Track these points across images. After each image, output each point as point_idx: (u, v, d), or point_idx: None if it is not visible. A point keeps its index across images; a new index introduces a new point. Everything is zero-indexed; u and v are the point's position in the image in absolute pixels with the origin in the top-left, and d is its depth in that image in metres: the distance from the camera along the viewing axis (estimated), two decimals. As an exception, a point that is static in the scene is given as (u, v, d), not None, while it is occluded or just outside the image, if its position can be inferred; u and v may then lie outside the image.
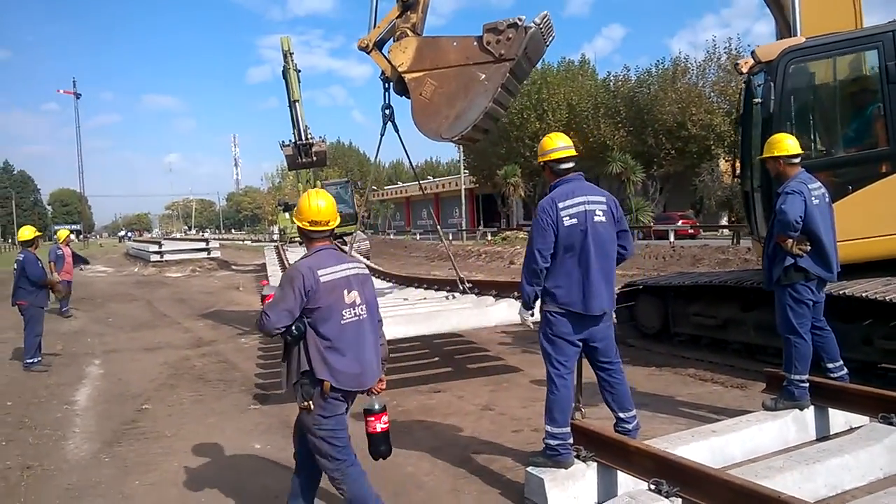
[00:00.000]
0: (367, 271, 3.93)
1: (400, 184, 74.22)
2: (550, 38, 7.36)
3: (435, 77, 7.32)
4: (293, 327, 3.55)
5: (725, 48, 38.18)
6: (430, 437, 5.80)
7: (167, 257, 32.09)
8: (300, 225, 3.81)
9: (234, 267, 30.07)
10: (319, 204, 3.78)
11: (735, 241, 25.84)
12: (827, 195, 5.20)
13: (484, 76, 7.03)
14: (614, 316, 9.00)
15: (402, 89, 7.74)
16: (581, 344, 4.36)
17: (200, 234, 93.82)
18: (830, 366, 5.27)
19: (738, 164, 7.91)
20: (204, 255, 33.04)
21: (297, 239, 22.80)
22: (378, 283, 12.02)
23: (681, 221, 35.67)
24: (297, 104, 20.34)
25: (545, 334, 4.36)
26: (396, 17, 7.79)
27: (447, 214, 61.72)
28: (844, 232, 5.65)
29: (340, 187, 26.11)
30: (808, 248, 4.98)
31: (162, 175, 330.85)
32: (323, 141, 20.40)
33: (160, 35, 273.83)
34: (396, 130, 8.61)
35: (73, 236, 20.56)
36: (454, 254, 14.54)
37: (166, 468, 5.26)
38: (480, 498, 4.49)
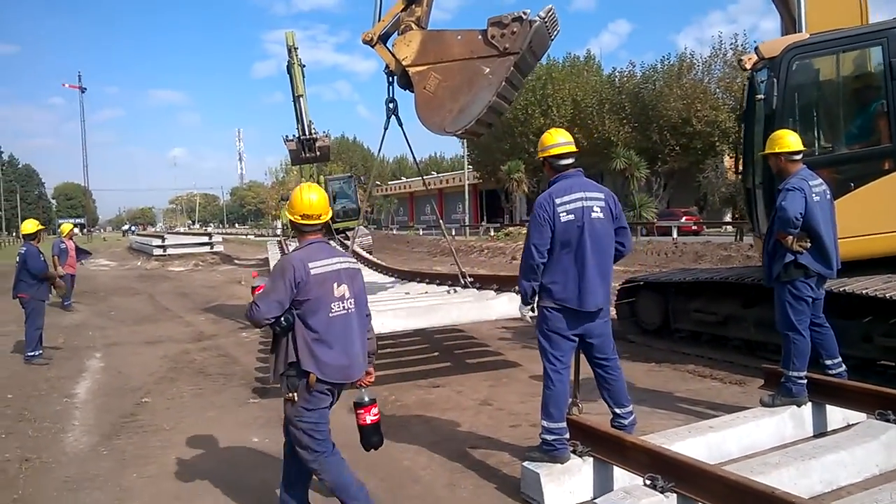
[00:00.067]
0: (357, 266, 3.97)
1: (403, 179, 74.19)
2: (555, 33, 7.33)
3: (439, 71, 7.30)
4: (282, 318, 3.60)
5: (731, 44, 37.94)
6: (429, 431, 5.81)
7: (170, 251, 32.19)
8: (292, 218, 3.85)
9: (236, 261, 30.13)
10: (311, 198, 3.80)
11: (738, 237, 25.77)
12: (828, 192, 5.19)
13: (488, 70, 7.01)
14: (614, 312, 9.09)
15: (406, 83, 7.72)
16: (577, 339, 4.36)
17: (204, 228, 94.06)
18: (829, 362, 5.26)
19: (741, 161, 7.85)
20: (207, 249, 33.11)
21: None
22: (380, 278, 12.04)
23: (684, 218, 35.57)
24: (301, 99, 20.30)
25: (541, 330, 4.37)
26: (401, 11, 7.77)
27: (451, 210, 61.67)
28: (846, 229, 5.64)
29: (344, 182, 26.07)
30: (809, 244, 4.98)
31: (166, 169, 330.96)
32: (327, 136, 20.39)
33: (165, 30, 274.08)
34: (400, 124, 8.60)
35: (76, 230, 20.60)
36: (456, 249, 14.55)
37: (164, 461, 5.28)
38: (476, 492, 4.49)
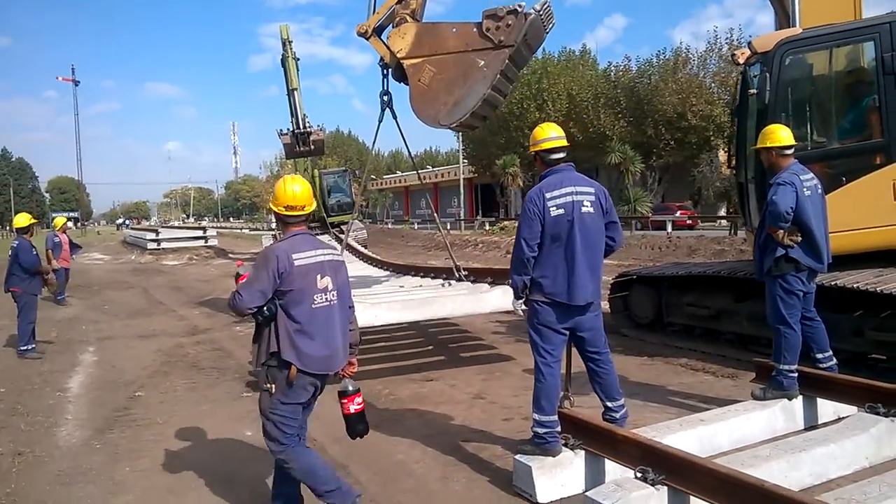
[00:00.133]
0: (341, 258, 3.98)
1: (399, 173, 74.07)
2: (550, 26, 7.33)
3: (434, 63, 7.28)
4: (265, 308, 3.62)
5: (727, 39, 38.03)
6: (422, 425, 5.83)
7: (164, 245, 32.06)
8: (276, 210, 3.87)
9: (231, 255, 30.07)
10: (295, 189, 3.83)
11: (733, 232, 25.84)
12: (819, 187, 5.20)
13: (483, 63, 7.00)
14: (608, 306, 9.11)
15: (401, 75, 7.70)
16: (567, 333, 4.38)
17: (198, 222, 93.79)
18: (819, 356, 5.29)
19: (733, 155, 7.86)
20: (201, 243, 33.03)
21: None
22: (375, 272, 12.06)
23: (679, 212, 35.64)
24: (295, 92, 20.25)
25: (532, 323, 4.39)
26: (396, 3, 7.74)
27: (446, 204, 61.63)
28: (838, 223, 5.67)
29: (338, 176, 25.99)
30: (799, 239, 5.00)
31: (161, 163, 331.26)
32: (321, 129, 20.34)
33: (162, 23, 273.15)
34: (395, 117, 8.59)
35: (70, 224, 20.52)
36: (451, 243, 14.55)
37: (157, 455, 5.28)
38: (469, 485, 4.51)
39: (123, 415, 6.43)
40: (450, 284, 8.79)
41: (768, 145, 5.23)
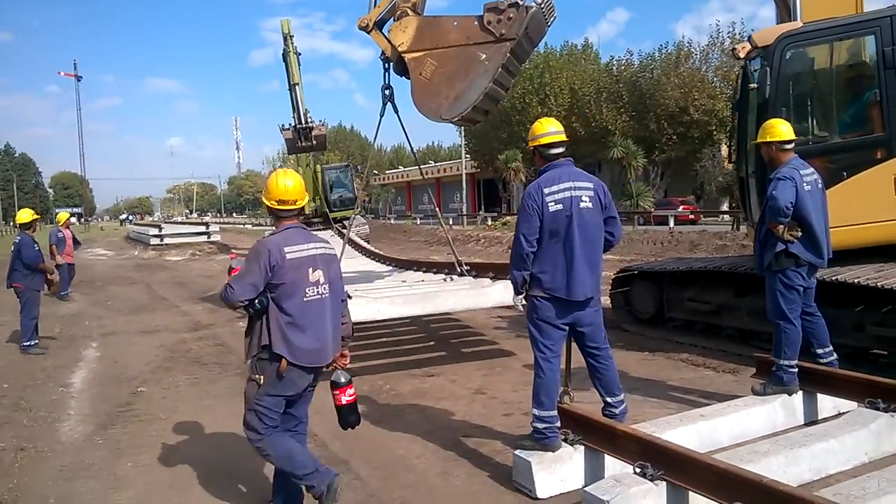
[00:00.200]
0: (333, 251, 4.00)
1: (401, 168, 74.03)
2: (552, 19, 7.30)
3: (435, 57, 7.26)
4: (256, 301, 3.65)
5: (729, 33, 37.88)
6: (423, 420, 5.84)
7: (167, 241, 32.14)
8: (268, 204, 3.89)
9: (234, 250, 30.07)
10: (287, 183, 3.84)
11: (735, 226, 25.79)
12: (819, 181, 5.20)
13: (484, 56, 6.97)
14: (610, 301, 9.11)
15: (402, 69, 7.68)
16: (567, 328, 4.39)
17: (201, 217, 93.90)
18: (820, 351, 5.29)
19: (734, 149, 7.85)
20: (204, 238, 33.08)
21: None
22: (377, 267, 12.07)
23: (681, 207, 35.57)
24: (297, 87, 20.19)
25: (531, 319, 4.40)
26: (397, -3, 7.71)
27: (448, 199, 61.61)
28: (839, 218, 5.67)
29: (340, 171, 25.92)
30: (800, 234, 4.99)
31: (164, 158, 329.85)
32: (323, 125, 20.29)
33: (163, 17, 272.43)
34: (396, 111, 8.58)
35: (73, 219, 20.55)
36: (453, 238, 14.55)
37: (159, 450, 5.30)
38: (469, 480, 4.52)
39: (126, 410, 6.46)
40: (451, 279, 8.80)
41: (768, 140, 5.22)
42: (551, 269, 4.27)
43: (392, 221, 57.10)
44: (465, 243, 28.56)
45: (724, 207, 35.86)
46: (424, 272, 10.20)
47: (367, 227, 22.67)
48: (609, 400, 4.51)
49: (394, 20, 7.70)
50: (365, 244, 16.24)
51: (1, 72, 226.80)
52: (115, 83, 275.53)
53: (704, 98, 36.63)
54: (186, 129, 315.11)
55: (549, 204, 4.22)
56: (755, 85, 6.76)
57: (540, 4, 6.89)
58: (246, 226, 69.16)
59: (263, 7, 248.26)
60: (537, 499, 4.11)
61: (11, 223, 70.29)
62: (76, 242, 15.58)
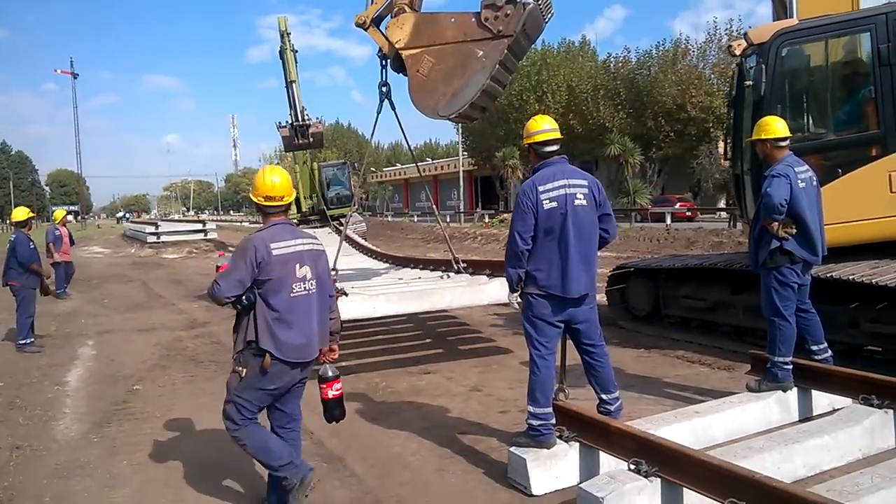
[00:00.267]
0: (322, 247, 4.01)
1: (399, 165, 74.02)
2: (549, 15, 7.29)
3: (432, 54, 7.24)
4: (243, 297, 3.67)
5: (726, 30, 37.96)
6: (419, 417, 5.85)
7: (164, 238, 32.13)
8: (255, 201, 3.91)
9: (230, 248, 30.01)
10: (274, 180, 3.86)
11: (732, 224, 25.84)
12: (814, 178, 5.20)
13: (482, 53, 6.96)
14: (606, 298, 9.12)
15: (400, 66, 7.66)
16: (562, 326, 4.40)
17: (198, 215, 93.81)
18: (814, 348, 5.30)
19: (730, 147, 7.85)
20: (201, 236, 33.06)
21: (294, 220, 22.81)
22: (374, 264, 12.06)
23: (678, 204, 35.61)
24: (293, 85, 20.17)
25: (526, 316, 4.41)
26: (394, -7, 7.69)
27: (446, 196, 61.63)
28: (833, 215, 5.67)
29: (337, 169, 25.93)
30: (794, 231, 4.99)
31: (160, 156, 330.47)
32: (320, 122, 20.28)
33: (159, 14, 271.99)
34: (393, 108, 8.56)
35: (70, 217, 20.52)
36: (450, 236, 14.55)
37: (155, 448, 5.30)
38: (464, 477, 4.53)
39: (121, 408, 6.45)
40: (448, 276, 8.80)
41: (763, 137, 5.23)
42: (546, 266, 4.28)
43: (389, 219, 57.04)
44: (463, 240, 28.57)
45: (721, 204, 35.92)
46: (421, 269, 10.19)
47: (364, 224, 22.64)
48: (604, 397, 4.52)
49: (391, 17, 7.68)
50: (362, 241, 16.23)
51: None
52: (112, 80, 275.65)
53: (702, 95, 36.70)
54: (183, 126, 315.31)
55: (544, 202, 4.22)
56: (751, 82, 6.77)
57: (537, 1, 6.88)
58: (243, 223, 69.08)
59: (260, 4, 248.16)
60: (532, 496, 4.11)
61: (7, 221, 70.17)
62: (71, 241, 15.55)
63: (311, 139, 19.72)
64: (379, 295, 7.48)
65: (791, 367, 5.08)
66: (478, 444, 5.09)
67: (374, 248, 15.10)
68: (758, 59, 6.75)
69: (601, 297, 7.69)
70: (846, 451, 4.31)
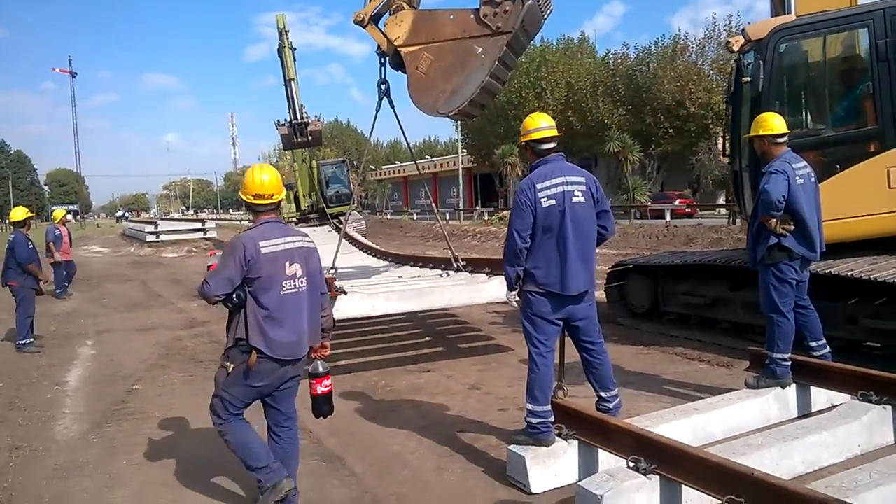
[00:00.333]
0: (312, 245, 4.02)
1: (398, 163, 73.98)
2: (548, 11, 7.28)
3: (431, 51, 7.24)
4: (234, 296, 3.69)
5: (725, 25, 37.93)
6: (418, 416, 5.85)
7: (163, 238, 32.14)
8: (245, 199, 3.93)
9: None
10: (263, 178, 3.88)
11: (731, 220, 25.84)
12: (812, 175, 5.20)
13: (481, 50, 6.95)
14: (605, 295, 9.12)
15: (399, 64, 7.65)
16: (561, 323, 4.40)
17: (197, 214, 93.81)
18: (813, 344, 5.30)
19: (728, 143, 7.85)
20: (200, 235, 33.06)
21: (293, 218, 22.81)
22: (373, 262, 12.06)
23: (678, 201, 35.61)
24: (292, 83, 20.19)
25: (525, 314, 4.41)
26: (393, -10, 7.68)
27: (445, 194, 61.54)
28: (832, 211, 5.66)
29: (336, 167, 25.95)
30: (792, 227, 4.99)
31: (160, 155, 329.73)
32: (319, 120, 20.32)
33: (158, 12, 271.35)
34: (392, 106, 8.55)
35: (69, 216, 20.51)
36: (450, 234, 14.55)
37: (154, 448, 5.30)
38: (463, 476, 4.53)
39: (121, 408, 6.45)
40: (448, 275, 8.79)
41: (761, 133, 5.22)
42: (545, 264, 4.28)
43: (389, 217, 57.03)
44: (462, 238, 28.55)
45: (721, 201, 35.93)
46: (421, 267, 10.18)
47: (363, 222, 22.65)
48: (603, 395, 4.52)
49: (390, 14, 7.67)
50: (362, 239, 16.23)
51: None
52: (111, 79, 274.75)
53: (701, 91, 36.70)
54: (182, 125, 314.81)
55: (542, 199, 4.22)
56: (748, 78, 6.77)
57: None
58: (242, 222, 68.99)
59: (259, 1, 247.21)
60: (531, 493, 4.12)
61: (7, 221, 70.17)
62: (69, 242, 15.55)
63: (310, 137, 19.76)
64: (378, 294, 7.47)
65: (790, 363, 5.08)
66: (477, 442, 5.09)
67: (373, 245, 15.08)
68: (756, 55, 6.74)
69: (600, 294, 7.68)
70: (845, 447, 4.31)
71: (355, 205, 21.06)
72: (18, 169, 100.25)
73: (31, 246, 9.43)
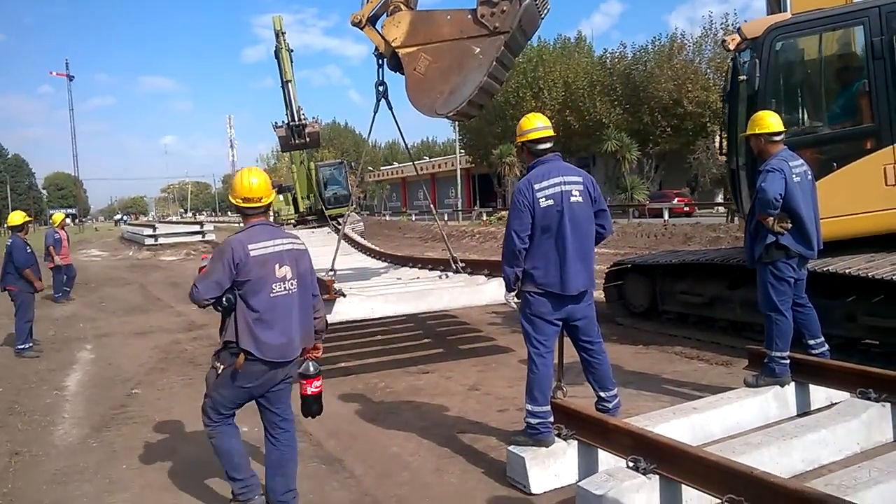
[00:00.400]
0: (303, 247, 4.03)
1: (396, 164, 73.95)
2: (545, 11, 7.28)
3: (429, 52, 7.23)
4: (223, 299, 3.72)
5: (722, 24, 37.95)
6: (417, 417, 5.85)
7: (161, 241, 32.10)
8: (234, 202, 3.95)
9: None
10: (252, 181, 3.89)
11: (729, 219, 25.84)
12: (809, 173, 5.21)
13: (478, 50, 6.94)
14: (603, 295, 9.12)
15: (396, 65, 7.64)
16: (560, 323, 4.41)
17: (196, 216, 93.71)
18: (811, 342, 5.31)
19: (724, 141, 7.86)
20: (198, 238, 33.05)
21: (292, 220, 22.81)
22: (372, 263, 12.05)
23: (676, 199, 35.62)
24: (289, 84, 20.16)
25: (525, 314, 4.41)
26: (390, -9, 7.67)
27: (443, 195, 61.47)
28: (829, 209, 5.67)
29: (335, 168, 25.93)
30: (789, 225, 5.00)
31: (158, 158, 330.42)
32: (316, 121, 20.29)
33: (154, 15, 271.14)
34: (390, 107, 8.54)
35: (67, 220, 20.49)
36: (448, 234, 14.58)
37: (154, 452, 5.30)
38: (463, 477, 4.53)
39: (120, 412, 6.44)
40: (447, 276, 8.79)
41: (757, 132, 5.23)
42: (544, 264, 4.28)
43: (387, 218, 56.99)
44: (461, 239, 28.55)
45: (719, 199, 35.95)
46: (420, 269, 10.17)
47: (361, 223, 22.64)
48: (602, 394, 4.53)
49: (387, 15, 7.66)
50: (361, 240, 16.21)
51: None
52: (108, 82, 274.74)
53: (698, 90, 36.73)
54: (180, 127, 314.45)
55: (540, 200, 4.22)
56: (745, 77, 6.77)
57: None
58: (241, 223, 68.98)
59: (255, 3, 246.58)
60: (531, 494, 4.12)
61: (5, 225, 70.11)
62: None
63: (308, 139, 19.73)
64: (377, 296, 7.47)
65: (788, 361, 5.08)
66: (477, 443, 5.10)
67: (372, 246, 15.07)
68: (752, 53, 6.75)
69: (598, 294, 7.68)
70: (844, 445, 4.32)
71: (354, 206, 21.03)
72: (16, 173, 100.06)
73: (29, 250, 9.43)
